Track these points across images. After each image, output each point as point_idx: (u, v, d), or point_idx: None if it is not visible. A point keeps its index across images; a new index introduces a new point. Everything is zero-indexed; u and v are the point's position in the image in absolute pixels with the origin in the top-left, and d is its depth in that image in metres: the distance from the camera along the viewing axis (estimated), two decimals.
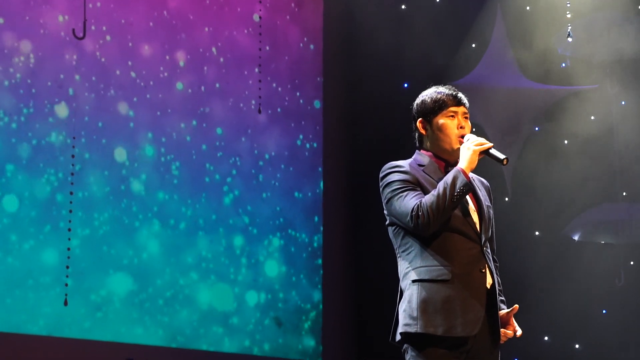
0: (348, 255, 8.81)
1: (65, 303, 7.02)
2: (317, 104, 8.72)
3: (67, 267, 7.07)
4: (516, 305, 3.86)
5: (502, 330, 3.80)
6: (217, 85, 8.08)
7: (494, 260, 3.93)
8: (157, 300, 7.48)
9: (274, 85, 8.44)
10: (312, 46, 8.76)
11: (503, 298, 3.91)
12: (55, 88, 7.20)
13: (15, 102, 7.00)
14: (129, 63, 7.60)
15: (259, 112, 8.30)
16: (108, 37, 7.50)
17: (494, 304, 3.74)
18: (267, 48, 8.43)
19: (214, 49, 8.08)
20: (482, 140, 3.76)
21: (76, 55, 7.33)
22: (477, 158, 3.72)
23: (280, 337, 8.11)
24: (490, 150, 3.74)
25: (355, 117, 8.95)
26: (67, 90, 7.25)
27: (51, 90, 7.17)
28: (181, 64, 7.89)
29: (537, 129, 8.06)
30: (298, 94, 8.59)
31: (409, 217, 3.64)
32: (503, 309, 3.86)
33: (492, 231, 3.93)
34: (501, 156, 3.73)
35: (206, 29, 8.07)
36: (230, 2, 8.25)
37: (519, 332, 3.86)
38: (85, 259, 7.16)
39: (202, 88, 7.98)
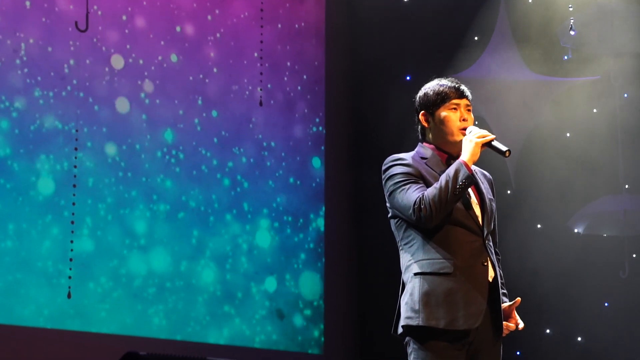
0: (350, 247, 8.81)
1: (69, 295, 7.03)
2: (319, 96, 8.72)
3: (71, 259, 7.08)
4: (518, 298, 3.86)
5: (504, 323, 3.81)
6: (220, 73, 8.07)
7: (496, 254, 3.93)
8: (160, 291, 7.49)
9: (276, 75, 8.43)
10: (314, 37, 8.76)
11: (505, 291, 3.91)
12: (57, 79, 7.19)
13: (18, 92, 6.99)
14: (132, 53, 7.59)
15: (260, 104, 8.30)
16: (110, 29, 7.49)
17: (496, 296, 3.74)
18: (269, 38, 8.42)
19: (216, 35, 8.08)
20: (485, 132, 3.75)
21: (79, 47, 7.32)
22: (479, 150, 3.71)
23: (281, 328, 8.12)
24: (493, 143, 3.73)
25: (357, 109, 8.94)
26: (71, 81, 7.25)
27: (54, 81, 7.17)
28: (183, 49, 7.89)
29: (539, 121, 8.04)
30: (300, 84, 8.59)
31: (411, 210, 3.65)
32: (505, 302, 3.87)
33: (494, 224, 3.93)
34: (503, 148, 3.72)
35: (208, 17, 8.07)
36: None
37: (521, 325, 3.86)
38: (89, 250, 7.16)
39: (204, 77, 7.97)
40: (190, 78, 7.90)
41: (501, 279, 3.88)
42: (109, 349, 7.10)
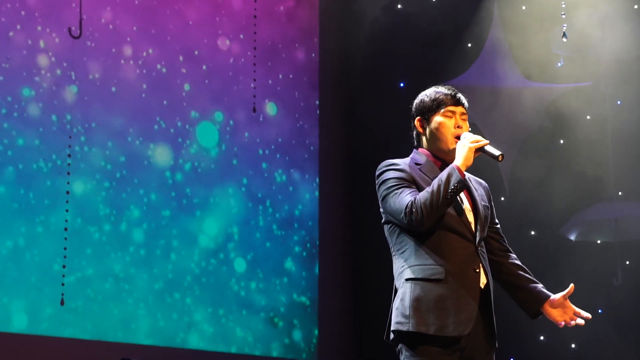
0: (345, 252, 8.81)
1: (62, 303, 7.01)
2: (313, 102, 8.73)
3: (64, 266, 7.06)
4: (572, 285, 3.85)
5: (568, 316, 3.85)
6: (215, 81, 8.08)
7: (509, 251, 3.99)
8: (154, 298, 7.48)
9: (269, 87, 8.44)
10: (308, 43, 8.77)
11: (540, 284, 3.94)
12: (52, 84, 7.19)
13: (11, 98, 7.00)
14: (126, 59, 7.60)
15: (254, 110, 8.30)
16: (104, 35, 7.50)
17: (488, 303, 3.75)
18: (263, 47, 8.43)
19: (209, 46, 8.10)
20: (478, 137, 3.77)
21: (73, 53, 7.32)
22: (472, 155, 3.73)
23: (275, 335, 8.11)
24: (486, 148, 3.76)
25: (351, 115, 8.95)
26: (65, 87, 7.25)
27: (50, 85, 7.17)
28: (179, 59, 7.91)
29: (533, 128, 8.05)
30: (294, 92, 8.59)
31: (403, 214, 3.66)
32: (547, 293, 3.90)
33: (497, 227, 3.98)
34: (496, 152, 3.75)
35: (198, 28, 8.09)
36: (227, 1, 8.26)
37: (585, 314, 3.86)
38: (83, 256, 7.15)
39: (200, 82, 7.99)
40: (187, 86, 7.91)
41: (530, 274, 3.94)
42: (103, 356, 7.09)
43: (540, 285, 3.92)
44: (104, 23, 7.51)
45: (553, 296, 3.87)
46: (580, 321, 3.88)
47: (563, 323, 3.87)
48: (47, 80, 7.17)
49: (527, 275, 3.95)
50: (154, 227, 7.56)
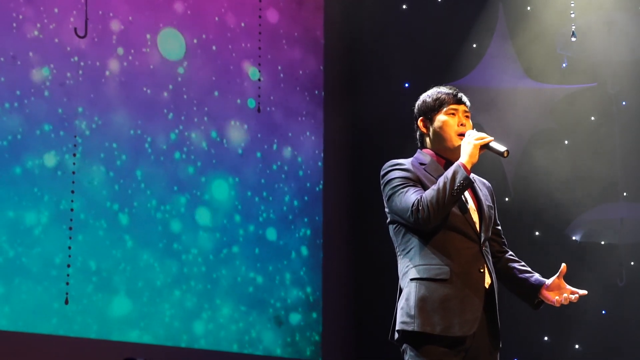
0: (348, 252, 8.81)
1: (67, 302, 7.02)
2: (319, 100, 8.73)
3: (69, 265, 7.07)
4: (564, 265, 3.85)
5: (563, 297, 3.80)
6: (218, 81, 8.08)
7: (508, 252, 3.98)
8: (157, 299, 7.48)
9: (274, 84, 8.45)
10: (313, 44, 8.78)
11: (536, 274, 3.92)
12: (56, 85, 7.21)
13: (18, 94, 7.01)
14: (130, 58, 7.61)
15: (258, 110, 8.31)
16: (108, 36, 7.52)
17: (492, 303, 3.76)
18: (268, 47, 8.44)
19: (214, 46, 8.10)
20: (483, 134, 3.78)
21: (78, 53, 7.34)
22: (478, 152, 3.74)
23: (278, 333, 8.11)
24: (491, 144, 3.76)
25: (356, 116, 8.95)
26: (72, 83, 7.27)
27: (54, 84, 7.18)
28: (179, 62, 7.91)
29: (538, 129, 8.05)
30: (299, 90, 8.60)
31: (409, 212, 3.66)
32: (542, 280, 3.88)
33: (499, 228, 3.98)
34: (502, 149, 3.74)
35: (216, 16, 8.09)
36: (232, 4, 8.27)
37: (581, 291, 3.84)
38: (87, 255, 7.16)
39: (202, 83, 8.00)
40: (188, 78, 7.93)
41: (524, 266, 3.94)
42: (107, 355, 7.09)
43: (535, 275, 3.92)
44: (107, 18, 7.53)
45: (547, 281, 3.86)
46: (575, 296, 3.84)
47: (556, 299, 3.83)
48: (55, 76, 7.19)
49: (522, 267, 3.95)
50: (158, 223, 7.57)
